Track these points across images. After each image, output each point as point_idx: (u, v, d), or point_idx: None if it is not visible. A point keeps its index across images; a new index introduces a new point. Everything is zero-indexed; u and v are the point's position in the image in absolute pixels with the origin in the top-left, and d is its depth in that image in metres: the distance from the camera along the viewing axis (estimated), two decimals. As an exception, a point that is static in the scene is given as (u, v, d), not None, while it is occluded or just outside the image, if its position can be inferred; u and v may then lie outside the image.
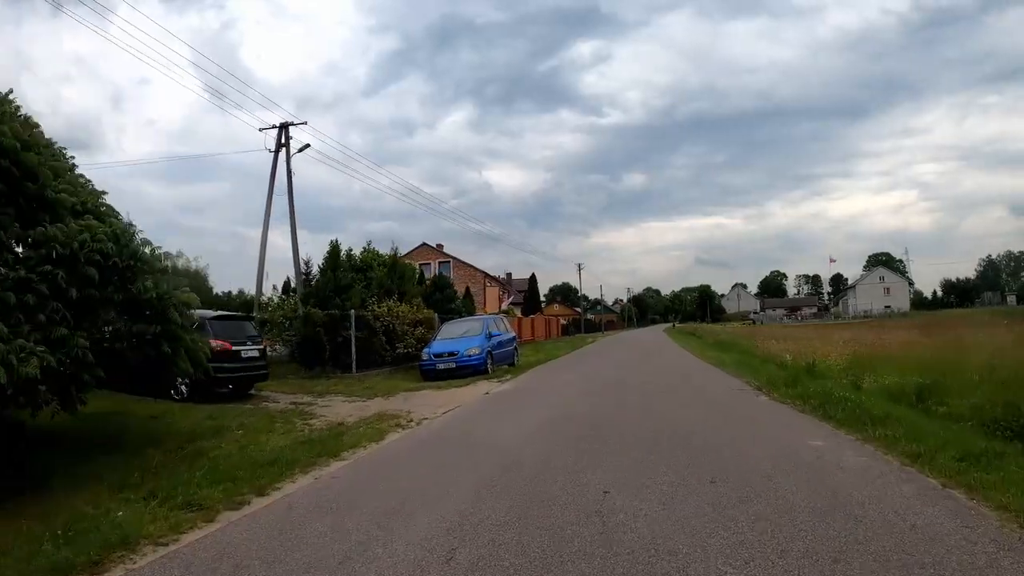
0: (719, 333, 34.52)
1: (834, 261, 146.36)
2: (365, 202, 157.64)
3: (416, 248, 40.91)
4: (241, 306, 24.79)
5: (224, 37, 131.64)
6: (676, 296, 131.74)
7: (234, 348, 11.16)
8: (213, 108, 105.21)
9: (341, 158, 36.56)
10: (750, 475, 4.53)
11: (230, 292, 35.38)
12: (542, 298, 70.16)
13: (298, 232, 20.20)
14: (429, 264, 36.96)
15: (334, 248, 18.26)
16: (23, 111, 6.02)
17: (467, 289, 33.67)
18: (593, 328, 66.91)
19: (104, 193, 6.99)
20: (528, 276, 60.10)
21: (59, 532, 3.95)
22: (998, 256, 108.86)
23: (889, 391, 8.28)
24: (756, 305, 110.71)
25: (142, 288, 5.65)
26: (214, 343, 10.92)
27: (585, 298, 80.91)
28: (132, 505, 4.73)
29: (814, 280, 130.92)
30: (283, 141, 19.89)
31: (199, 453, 6.57)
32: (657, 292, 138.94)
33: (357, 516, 3.97)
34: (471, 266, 42.22)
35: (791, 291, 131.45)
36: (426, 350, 15.27)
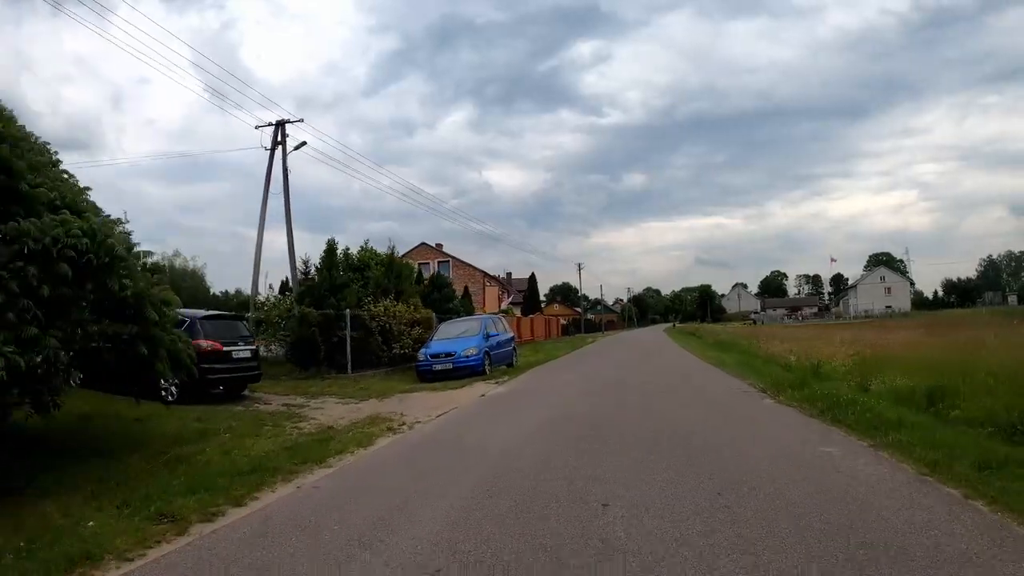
0: (720, 333, 34.24)
1: (835, 261, 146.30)
2: (365, 202, 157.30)
3: (415, 248, 40.65)
4: (238, 306, 24.62)
5: (224, 37, 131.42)
6: (676, 296, 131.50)
7: (225, 348, 10.90)
8: (213, 108, 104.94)
9: (341, 158, 36.23)
10: (760, 485, 4.25)
11: (227, 292, 35.22)
12: (542, 298, 69.95)
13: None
14: (428, 264, 36.67)
15: (330, 247, 18.02)
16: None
17: (466, 289, 33.38)
18: (593, 328, 66.65)
19: (88, 189, 6.73)
20: (528, 276, 59.91)
21: (21, 544, 3.71)
22: (999, 256, 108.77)
23: (898, 394, 8.01)
24: (756, 305, 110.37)
25: (118, 286, 5.38)
26: (204, 343, 10.70)
27: (585, 298, 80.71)
28: (104, 515, 4.49)
29: (814, 280, 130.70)
30: (279, 139, 19.63)
31: (181, 458, 6.32)
32: (657, 292, 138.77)
33: (336, 531, 3.69)
34: (470, 266, 41.96)
35: (791, 291, 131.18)
36: (423, 350, 15.01)
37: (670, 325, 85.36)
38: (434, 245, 41.97)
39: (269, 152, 19.58)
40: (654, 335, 47.56)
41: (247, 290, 24.07)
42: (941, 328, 21.65)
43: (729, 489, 4.15)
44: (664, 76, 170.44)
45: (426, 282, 24.02)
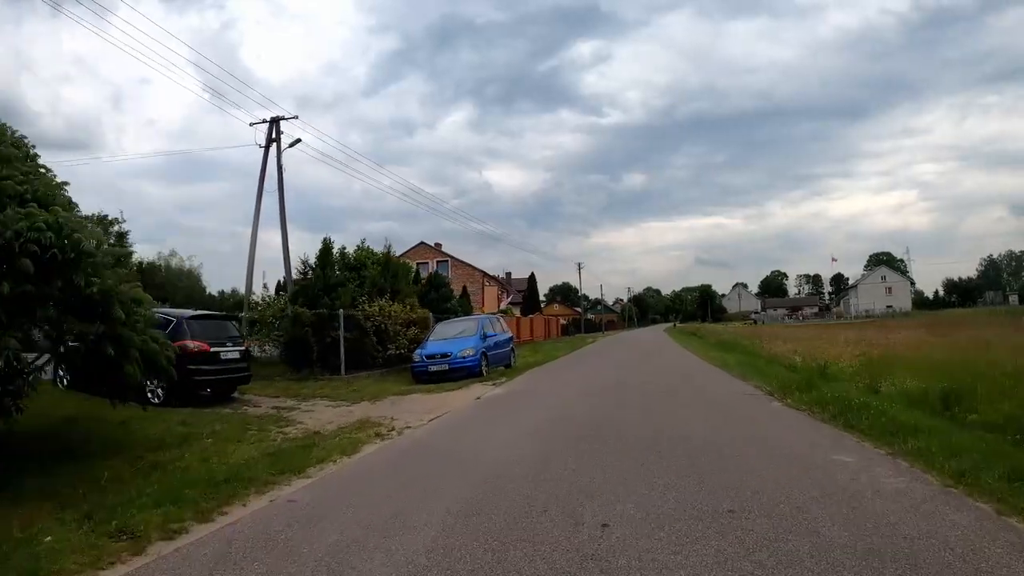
0: (721, 333, 33.91)
1: (836, 260, 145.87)
2: (366, 202, 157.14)
3: (414, 247, 40.32)
4: (234, 305, 24.24)
5: (224, 37, 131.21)
6: (677, 296, 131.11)
7: (212, 349, 10.56)
8: (213, 108, 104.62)
9: (342, 158, 35.79)
10: (775, 501, 3.88)
11: (223, 291, 34.89)
12: (542, 298, 69.62)
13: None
14: (427, 263, 36.32)
15: (326, 246, 17.67)
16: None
17: (464, 288, 33.00)
18: (593, 328, 66.29)
19: (65, 184, 6.44)
20: (528, 276, 59.55)
21: (-33, 563, 3.39)
22: (999, 256, 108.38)
23: (910, 396, 7.67)
24: (757, 305, 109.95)
25: (84, 283, 5.04)
26: (191, 344, 10.37)
27: (585, 298, 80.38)
28: (65, 528, 4.16)
29: (815, 280, 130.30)
30: (274, 136, 19.30)
31: (157, 465, 6.00)
32: (657, 292, 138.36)
33: (304, 554, 3.32)
34: (470, 265, 41.61)
35: (792, 291, 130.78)
36: (418, 351, 14.65)
37: (670, 325, 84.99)
38: (433, 244, 41.64)
39: (263, 149, 19.27)
40: (655, 335, 47.15)
41: (242, 289, 23.72)
42: (944, 328, 21.36)
43: (742, 507, 3.78)
44: (664, 76, 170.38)
45: (423, 282, 23.67)
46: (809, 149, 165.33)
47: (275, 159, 19.11)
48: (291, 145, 19.53)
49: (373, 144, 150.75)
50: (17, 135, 6.31)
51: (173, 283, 30.81)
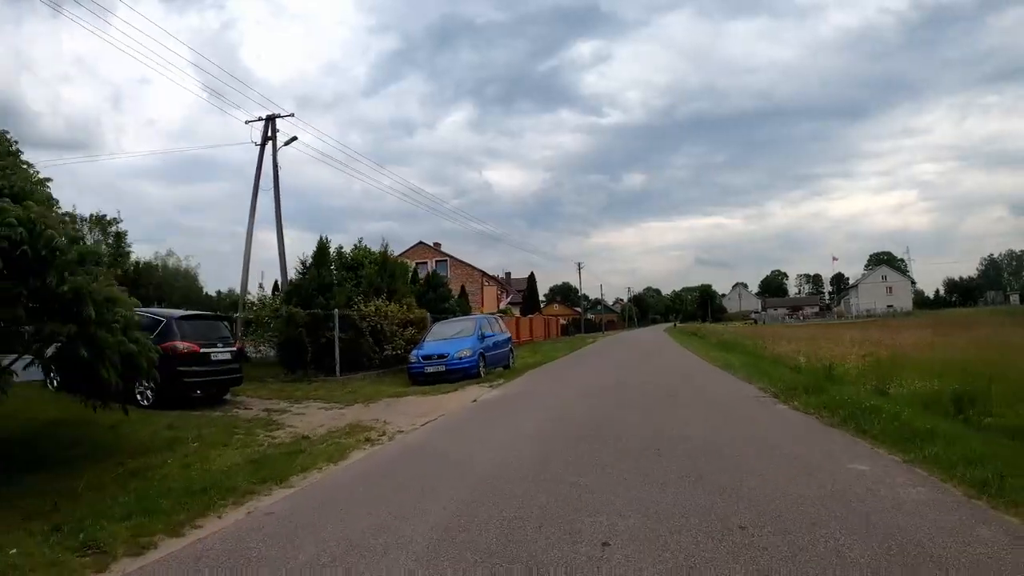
0: (722, 333, 33.64)
1: (836, 260, 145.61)
2: (366, 202, 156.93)
3: (413, 247, 40.06)
4: (230, 305, 23.97)
5: (224, 37, 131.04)
6: (677, 296, 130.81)
7: (203, 350, 10.28)
8: (213, 108, 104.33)
9: (342, 158, 35.53)
10: (790, 517, 3.61)
11: (220, 291, 34.66)
12: (542, 298, 69.38)
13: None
14: (426, 263, 36.02)
15: (321, 245, 17.40)
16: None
17: (463, 288, 32.71)
18: (593, 328, 66.03)
19: (48, 180, 6.21)
20: (527, 276, 59.28)
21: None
22: (1000, 255, 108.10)
23: (921, 398, 7.42)
24: (757, 305, 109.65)
25: (56, 281, 4.79)
26: (180, 345, 10.10)
27: (585, 298, 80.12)
28: (33, 540, 3.91)
29: (815, 279, 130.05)
30: (269, 134, 19.02)
31: (137, 472, 5.74)
32: (657, 292, 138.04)
33: (280, 574, 3.06)
34: (469, 265, 41.35)
35: (792, 290, 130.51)
36: (415, 352, 14.38)
37: (671, 325, 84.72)
38: (432, 244, 41.37)
39: (259, 147, 18.99)
40: (655, 335, 46.84)
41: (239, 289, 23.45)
42: (947, 327, 21.13)
43: (754, 524, 3.50)
44: (664, 76, 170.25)
45: (421, 281, 23.40)
46: (809, 149, 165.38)
47: (271, 157, 18.86)
48: (287, 143, 19.29)
49: (373, 144, 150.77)
50: (-1, 130, 6.09)
51: (170, 283, 30.59)
